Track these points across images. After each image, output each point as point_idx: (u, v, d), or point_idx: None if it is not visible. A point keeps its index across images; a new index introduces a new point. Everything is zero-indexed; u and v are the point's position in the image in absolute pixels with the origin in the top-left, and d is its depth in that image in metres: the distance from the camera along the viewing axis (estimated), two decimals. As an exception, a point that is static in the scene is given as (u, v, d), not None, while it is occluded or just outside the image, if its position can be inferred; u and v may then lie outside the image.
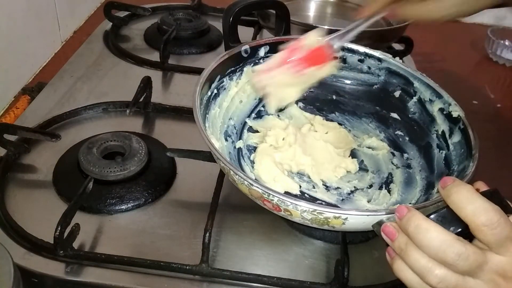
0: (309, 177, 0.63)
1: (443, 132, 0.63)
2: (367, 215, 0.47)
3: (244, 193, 0.51)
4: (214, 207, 0.57)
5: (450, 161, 0.60)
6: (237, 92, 0.66)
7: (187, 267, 0.53)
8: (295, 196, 0.59)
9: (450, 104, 0.63)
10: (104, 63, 0.87)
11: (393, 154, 0.68)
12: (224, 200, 0.60)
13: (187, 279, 0.53)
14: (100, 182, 0.60)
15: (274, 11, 0.73)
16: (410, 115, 0.68)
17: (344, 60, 0.70)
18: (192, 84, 0.58)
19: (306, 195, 0.61)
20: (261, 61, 0.66)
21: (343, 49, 0.69)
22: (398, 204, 0.59)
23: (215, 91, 0.63)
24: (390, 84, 0.70)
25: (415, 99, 0.67)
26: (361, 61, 0.70)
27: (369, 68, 0.70)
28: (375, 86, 0.71)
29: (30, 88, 0.82)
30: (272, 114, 0.69)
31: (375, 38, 0.80)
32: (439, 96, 0.64)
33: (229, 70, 0.65)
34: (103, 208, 0.59)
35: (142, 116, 0.76)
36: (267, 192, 0.48)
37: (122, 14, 0.99)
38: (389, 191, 0.63)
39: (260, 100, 0.69)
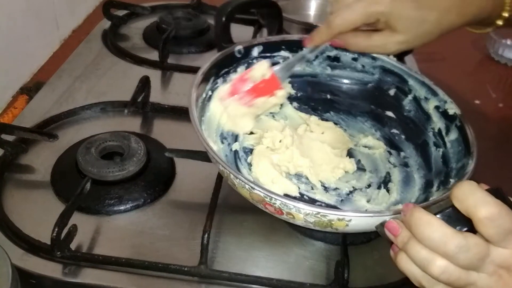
0: (307, 179, 0.62)
1: (439, 129, 0.63)
2: (371, 216, 0.47)
3: (244, 196, 0.51)
4: (213, 208, 0.57)
5: (448, 159, 0.60)
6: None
7: (186, 269, 0.53)
8: (294, 198, 0.58)
9: (445, 102, 0.62)
10: (103, 62, 0.87)
11: (390, 153, 0.67)
12: (223, 200, 0.60)
13: (186, 280, 0.53)
14: (98, 182, 0.60)
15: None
16: (405, 113, 0.68)
17: (338, 58, 0.69)
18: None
19: (305, 196, 0.60)
20: (255, 61, 0.66)
21: (337, 48, 0.68)
22: (399, 204, 0.60)
23: (210, 92, 0.62)
24: (384, 83, 0.69)
25: (410, 97, 0.67)
26: (355, 59, 0.69)
27: (363, 66, 0.69)
28: (370, 84, 0.70)
29: (28, 87, 0.82)
30: (267, 115, 0.69)
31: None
32: (435, 94, 0.64)
33: (223, 71, 0.64)
34: (101, 209, 0.59)
35: (140, 116, 0.75)
36: (269, 196, 0.48)
37: (121, 13, 0.99)
38: (388, 191, 0.62)
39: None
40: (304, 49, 0.65)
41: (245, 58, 0.66)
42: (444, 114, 0.62)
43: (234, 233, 0.59)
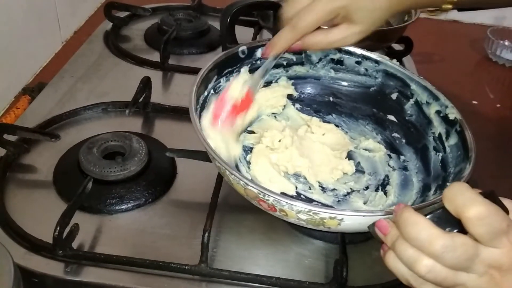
0: (305, 179, 0.63)
1: (439, 134, 0.63)
2: (363, 216, 0.47)
3: (240, 194, 0.52)
4: (213, 207, 0.57)
5: (446, 163, 0.60)
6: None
7: (186, 267, 0.53)
8: (291, 197, 0.59)
9: (447, 107, 0.63)
10: (104, 63, 0.88)
11: (390, 156, 0.68)
12: (223, 200, 0.61)
13: (187, 279, 0.53)
14: (100, 182, 0.60)
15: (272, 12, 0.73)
16: (407, 118, 0.68)
17: (341, 62, 0.70)
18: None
19: (302, 196, 0.61)
20: (258, 62, 0.66)
21: (340, 50, 0.69)
22: (395, 206, 0.60)
23: (212, 91, 0.63)
24: (387, 86, 0.69)
25: (412, 101, 0.67)
26: (358, 63, 0.70)
27: (366, 70, 0.70)
28: (372, 88, 0.71)
29: (30, 88, 0.82)
30: (269, 116, 0.69)
31: (374, 38, 0.79)
32: (436, 99, 0.64)
33: (226, 71, 0.64)
34: (103, 208, 0.60)
35: (142, 116, 0.76)
36: (262, 192, 0.48)
37: (123, 14, 0.99)
38: (385, 193, 0.63)
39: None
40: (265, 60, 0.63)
41: (249, 58, 0.66)
42: (445, 119, 0.63)
43: (234, 232, 0.59)
